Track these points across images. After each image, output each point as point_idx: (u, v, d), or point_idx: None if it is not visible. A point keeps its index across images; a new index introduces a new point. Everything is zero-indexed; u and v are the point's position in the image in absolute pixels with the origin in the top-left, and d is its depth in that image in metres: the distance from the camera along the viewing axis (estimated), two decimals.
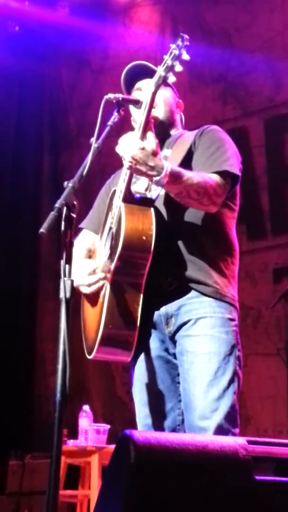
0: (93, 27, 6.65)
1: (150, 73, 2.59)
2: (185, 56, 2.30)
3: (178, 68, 2.31)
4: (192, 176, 2.29)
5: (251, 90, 5.81)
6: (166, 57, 2.31)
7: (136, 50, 6.28)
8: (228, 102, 5.95)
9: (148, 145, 2.22)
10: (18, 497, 5.37)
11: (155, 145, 2.23)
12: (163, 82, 2.33)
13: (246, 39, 5.87)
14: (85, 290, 2.45)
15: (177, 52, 2.30)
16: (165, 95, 2.59)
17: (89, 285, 2.42)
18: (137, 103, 2.50)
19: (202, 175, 2.33)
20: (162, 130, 2.55)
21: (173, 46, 2.31)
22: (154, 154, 2.21)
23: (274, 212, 5.58)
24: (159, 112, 2.56)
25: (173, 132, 2.62)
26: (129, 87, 2.60)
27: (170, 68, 2.31)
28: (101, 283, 2.39)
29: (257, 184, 5.57)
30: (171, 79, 2.34)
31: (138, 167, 2.22)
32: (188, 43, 2.31)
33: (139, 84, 2.58)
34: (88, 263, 2.52)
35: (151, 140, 2.24)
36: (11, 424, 6.08)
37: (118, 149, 2.26)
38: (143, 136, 2.26)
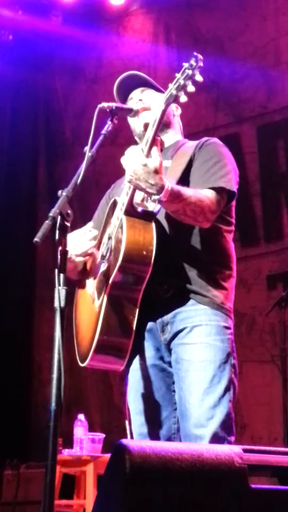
0: (86, 36, 6.66)
1: (142, 83, 2.61)
2: (198, 78, 2.22)
3: (191, 88, 2.23)
4: (190, 195, 2.29)
5: (243, 97, 5.83)
6: (178, 75, 2.24)
7: (129, 58, 6.29)
8: (221, 109, 5.97)
9: (151, 163, 2.21)
10: (13, 507, 5.34)
11: (159, 163, 2.22)
12: (174, 100, 2.27)
13: (239, 46, 5.90)
14: (77, 258, 2.46)
15: (190, 72, 2.22)
16: (159, 99, 2.59)
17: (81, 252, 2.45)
18: (130, 111, 2.52)
19: (200, 193, 2.34)
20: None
21: (185, 65, 2.23)
22: (156, 172, 2.20)
23: (267, 219, 5.59)
24: (153, 113, 2.57)
25: (171, 134, 2.63)
26: (123, 99, 2.62)
27: (182, 87, 2.23)
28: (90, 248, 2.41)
29: (249, 190, 5.59)
30: (183, 98, 2.26)
31: (138, 182, 2.22)
32: (202, 64, 2.22)
33: (132, 95, 2.60)
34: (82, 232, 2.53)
35: (155, 158, 2.23)
36: (7, 433, 6.06)
37: (123, 160, 2.27)
38: (149, 153, 2.24)
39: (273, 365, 5.09)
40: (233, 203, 2.54)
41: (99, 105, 2.36)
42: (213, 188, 2.38)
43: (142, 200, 2.38)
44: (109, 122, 2.36)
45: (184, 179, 2.42)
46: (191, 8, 6.24)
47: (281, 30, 5.71)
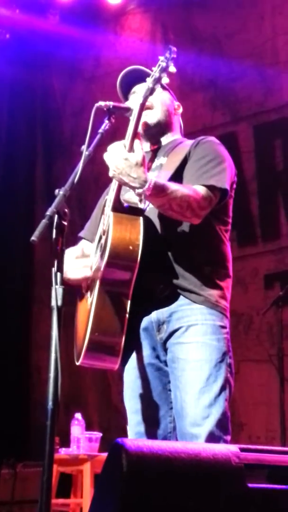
0: (84, 35, 6.66)
1: (145, 77, 2.61)
2: (172, 69, 2.35)
3: (165, 80, 2.37)
4: (177, 189, 2.29)
5: (240, 96, 5.83)
6: (154, 69, 2.36)
7: (127, 57, 6.28)
8: (218, 108, 5.97)
9: (133, 157, 2.23)
10: (10, 506, 5.34)
11: (141, 157, 2.24)
12: (151, 93, 2.37)
13: (236, 45, 5.90)
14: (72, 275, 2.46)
15: (164, 64, 2.35)
16: (162, 97, 2.61)
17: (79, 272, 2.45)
18: (128, 110, 2.51)
19: (187, 188, 2.34)
20: (159, 130, 2.58)
21: (161, 58, 2.36)
22: (138, 165, 2.22)
23: (263, 218, 5.60)
24: (156, 113, 2.58)
25: (170, 135, 2.63)
26: (126, 92, 2.63)
27: (158, 80, 2.35)
28: (88, 272, 2.41)
29: (246, 190, 5.59)
30: (159, 90, 2.40)
31: (120, 176, 2.24)
32: (175, 56, 2.36)
33: (135, 88, 2.61)
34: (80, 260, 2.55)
35: (137, 152, 2.25)
36: (5, 432, 6.06)
37: (105, 156, 2.28)
38: (131, 147, 2.27)
39: (270, 365, 5.10)
40: (230, 202, 2.54)
41: (96, 104, 2.37)
42: (204, 185, 2.38)
43: (140, 201, 2.37)
44: (107, 121, 2.37)
45: (177, 176, 2.42)
46: (189, 7, 6.24)
47: (278, 29, 5.71)
